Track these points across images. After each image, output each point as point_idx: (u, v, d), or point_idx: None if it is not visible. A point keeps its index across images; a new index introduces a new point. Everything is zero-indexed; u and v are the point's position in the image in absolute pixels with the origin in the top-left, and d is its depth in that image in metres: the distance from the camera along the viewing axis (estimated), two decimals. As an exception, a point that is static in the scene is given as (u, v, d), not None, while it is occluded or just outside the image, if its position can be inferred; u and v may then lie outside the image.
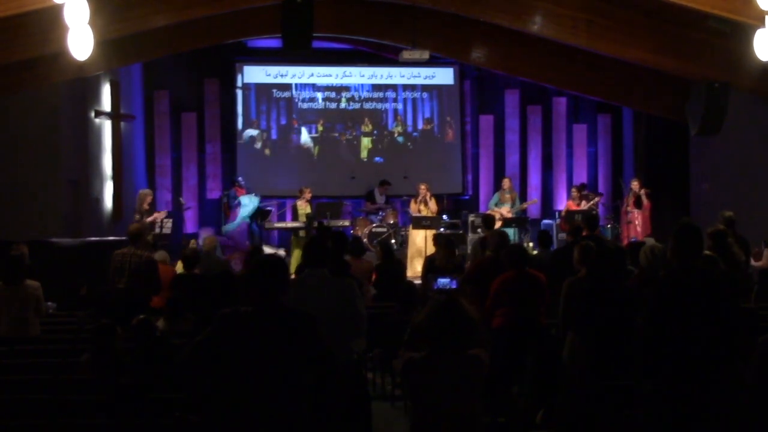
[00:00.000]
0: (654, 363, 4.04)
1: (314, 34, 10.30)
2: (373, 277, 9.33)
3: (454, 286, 4.49)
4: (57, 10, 7.72)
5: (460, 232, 13.88)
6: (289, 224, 13.94)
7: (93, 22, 7.79)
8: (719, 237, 6.64)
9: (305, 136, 16.29)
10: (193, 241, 13.60)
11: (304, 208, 14.12)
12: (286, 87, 16.30)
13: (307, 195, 14.16)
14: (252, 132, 16.17)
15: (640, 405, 4.19)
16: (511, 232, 13.53)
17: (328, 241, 6.36)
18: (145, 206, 12.32)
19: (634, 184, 13.73)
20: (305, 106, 16.36)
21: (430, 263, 8.62)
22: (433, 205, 13.16)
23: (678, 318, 3.99)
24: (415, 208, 13.09)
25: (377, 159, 16.50)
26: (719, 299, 4.05)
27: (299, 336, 3.47)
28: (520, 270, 6.50)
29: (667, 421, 3.98)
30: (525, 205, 14.69)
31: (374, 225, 14.42)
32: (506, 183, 14.19)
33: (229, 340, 3.43)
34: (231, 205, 14.48)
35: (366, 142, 16.55)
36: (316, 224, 12.37)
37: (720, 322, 4.00)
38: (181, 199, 15.03)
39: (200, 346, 3.48)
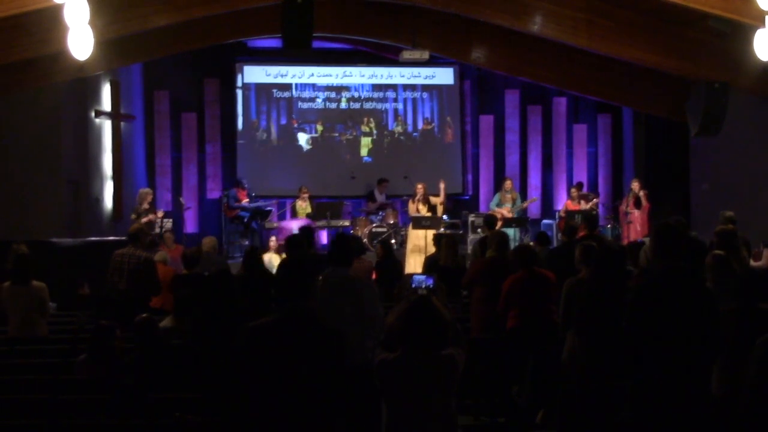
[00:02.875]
0: (637, 363, 4.04)
1: (314, 34, 10.29)
2: (373, 276, 9.34)
3: (429, 284, 4.49)
4: (57, 10, 7.72)
5: (460, 232, 13.87)
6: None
7: (93, 22, 7.79)
8: (728, 237, 6.59)
9: (302, 140, 16.30)
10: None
11: (303, 207, 14.13)
12: (286, 87, 16.30)
13: (305, 194, 14.18)
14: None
15: (627, 404, 4.19)
16: (511, 232, 13.51)
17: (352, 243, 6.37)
18: (145, 205, 12.32)
19: (635, 185, 13.73)
20: (305, 106, 16.36)
21: (432, 263, 8.60)
22: (440, 206, 13.05)
23: (659, 318, 3.97)
24: (413, 208, 13.05)
25: (366, 159, 16.47)
26: (699, 298, 4.03)
27: (326, 352, 3.42)
28: (529, 270, 6.49)
29: (651, 420, 3.97)
30: (525, 204, 14.68)
31: (374, 225, 14.42)
32: (508, 184, 14.16)
33: (257, 353, 3.40)
34: (231, 205, 14.49)
35: (366, 142, 16.55)
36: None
37: (700, 320, 3.98)
38: (181, 199, 15.03)
39: (235, 367, 3.44)
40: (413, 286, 4.46)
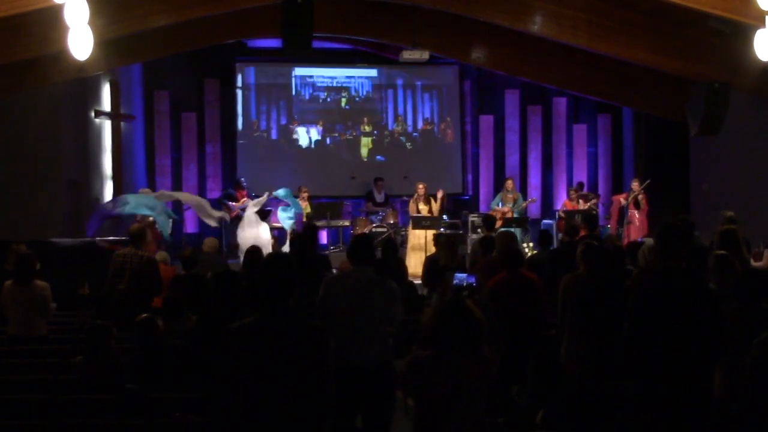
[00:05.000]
0: (638, 363, 4.03)
1: (314, 34, 10.29)
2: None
3: (471, 281, 4.47)
4: (57, 10, 7.71)
5: (460, 232, 13.87)
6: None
7: (93, 22, 7.78)
8: (730, 237, 6.59)
9: (304, 138, 16.33)
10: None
11: (304, 207, 14.12)
12: (286, 87, 16.30)
13: (304, 194, 14.18)
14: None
15: (630, 404, 4.19)
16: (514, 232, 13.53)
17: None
18: (145, 206, 12.31)
19: (635, 185, 13.73)
20: (305, 106, 16.36)
21: (432, 263, 8.59)
22: (435, 205, 13.07)
23: (661, 319, 3.97)
24: (413, 208, 13.06)
25: (378, 158, 16.50)
26: (703, 298, 4.03)
27: (310, 350, 3.39)
28: (513, 271, 6.47)
29: (653, 421, 3.98)
30: (525, 204, 14.68)
31: (374, 225, 14.42)
32: (509, 184, 14.19)
33: (240, 356, 3.37)
34: (221, 201, 14.53)
35: (366, 142, 16.55)
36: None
37: (703, 321, 3.98)
38: (181, 199, 15.02)
39: (218, 369, 3.42)
40: (455, 284, 4.46)
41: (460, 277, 4.49)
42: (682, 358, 3.92)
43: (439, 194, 13.12)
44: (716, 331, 4.01)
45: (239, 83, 16.13)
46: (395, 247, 9.79)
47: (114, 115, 13.91)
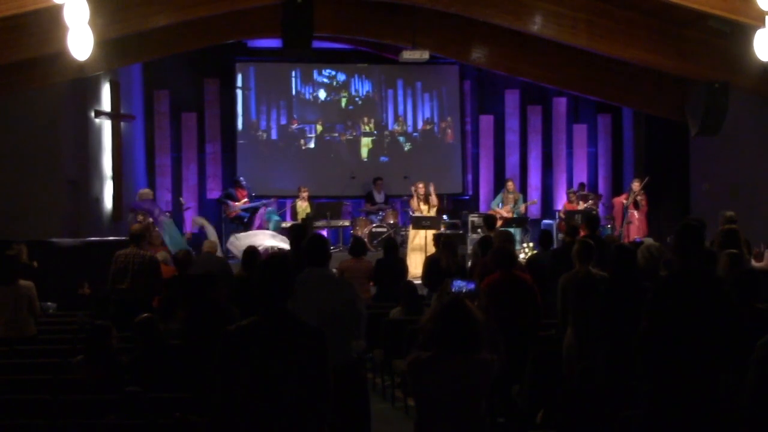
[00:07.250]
0: (652, 363, 4.03)
1: (314, 34, 10.30)
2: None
3: (471, 288, 4.44)
4: (57, 10, 7.72)
5: (460, 232, 13.88)
6: (289, 224, 13.93)
7: (93, 22, 7.79)
8: (732, 236, 6.58)
9: (303, 138, 16.32)
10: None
11: (303, 207, 14.14)
12: (286, 87, 16.30)
13: (304, 194, 14.19)
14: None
15: (640, 404, 4.19)
16: (512, 232, 13.54)
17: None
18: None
19: (635, 185, 13.74)
20: (305, 106, 16.36)
21: (433, 264, 8.58)
22: (434, 200, 13.03)
23: (677, 319, 3.97)
24: (415, 205, 13.02)
25: (382, 159, 16.49)
26: (720, 300, 4.03)
27: (308, 352, 3.38)
28: (506, 271, 6.46)
29: (664, 422, 3.97)
30: (524, 206, 14.69)
31: (374, 225, 14.44)
32: (510, 185, 14.22)
33: (238, 358, 3.35)
34: (221, 201, 14.55)
35: (366, 142, 16.56)
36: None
37: (719, 323, 3.98)
38: (181, 199, 15.05)
39: (216, 372, 3.41)
40: (453, 290, 4.42)
41: (459, 285, 4.46)
42: (696, 361, 3.92)
43: (431, 187, 13.00)
44: (732, 337, 4.01)
45: (239, 83, 16.12)
46: (395, 247, 9.80)
47: (114, 115, 13.91)
